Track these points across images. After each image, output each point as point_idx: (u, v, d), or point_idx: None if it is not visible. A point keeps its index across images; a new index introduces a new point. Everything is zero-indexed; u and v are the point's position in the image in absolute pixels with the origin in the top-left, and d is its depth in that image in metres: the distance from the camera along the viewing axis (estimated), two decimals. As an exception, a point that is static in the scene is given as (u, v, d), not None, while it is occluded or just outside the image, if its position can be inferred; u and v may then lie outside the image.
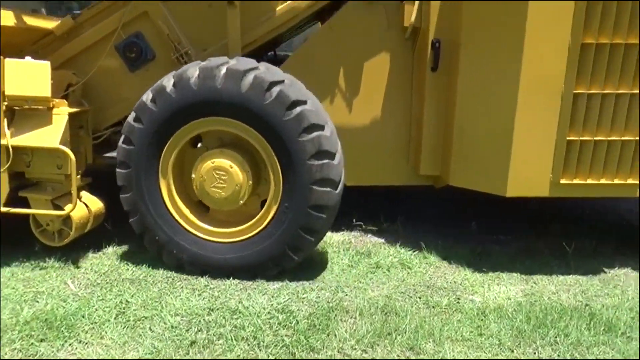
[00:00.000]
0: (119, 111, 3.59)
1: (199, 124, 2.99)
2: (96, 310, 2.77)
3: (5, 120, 3.09)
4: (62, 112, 3.20)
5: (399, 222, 3.94)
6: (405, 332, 2.61)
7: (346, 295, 2.97)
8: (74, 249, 3.44)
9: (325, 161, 2.86)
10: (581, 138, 2.99)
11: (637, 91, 2.90)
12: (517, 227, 4.02)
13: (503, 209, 4.34)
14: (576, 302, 2.94)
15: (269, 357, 2.42)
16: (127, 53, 3.53)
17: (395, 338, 2.56)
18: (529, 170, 3.05)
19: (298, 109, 2.82)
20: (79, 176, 3.31)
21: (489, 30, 3.08)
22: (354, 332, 2.61)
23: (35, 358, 2.41)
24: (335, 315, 2.76)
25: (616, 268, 3.36)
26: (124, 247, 3.55)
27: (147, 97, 2.98)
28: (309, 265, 3.31)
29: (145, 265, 3.25)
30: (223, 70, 2.85)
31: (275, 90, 2.82)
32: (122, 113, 3.30)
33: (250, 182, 3.03)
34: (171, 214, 3.13)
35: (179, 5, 3.44)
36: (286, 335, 2.59)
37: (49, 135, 3.14)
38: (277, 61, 3.72)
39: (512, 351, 2.51)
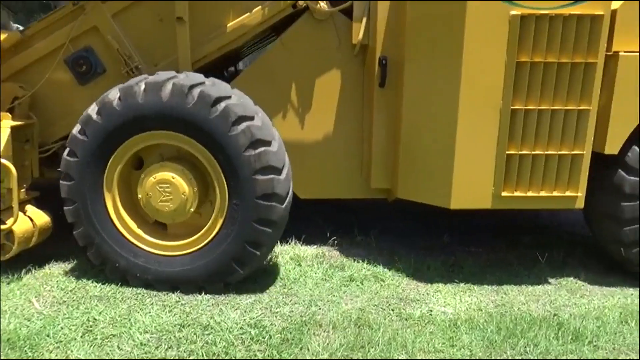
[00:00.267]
0: (68, 125, 3.51)
1: (144, 137, 2.98)
2: (62, 328, 2.68)
3: None
4: (4, 126, 3.15)
5: (373, 235, 3.96)
6: (378, 345, 2.61)
7: (319, 309, 2.96)
8: (41, 265, 3.34)
9: (271, 176, 2.88)
10: (520, 152, 3.08)
11: (571, 107, 3.03)
12: (488, 239, 4.09)
13: (475, 221, 4.42)
14: (545, 312, 3.00)
15: (240, 373, 2.38)
16: (77, 67, 3.50)
17: (369, 351, 2.56)
18: (472, 183, 3.13)
19: (244, 125, 2.85)
20: (23, 190, 3.26)
21: (430, 48, 3.18)
22: (327, 345, 2.59)
23: (37, 358, 2.35)
24: (309, 329, 2.74)
25: (582, 278, 3.45)
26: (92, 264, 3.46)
27: (93, 109, 2.97)
28: (283, 279, 3.29)
29: (114, 282, 3.17)
30: (169, 84, 2.86)
31: (221, 105, 2.84)
32: (71, 126, 3.26)
33: (196, 189, 3.01)
34: (116, 227, 3.09)
35: (129, 20, 3.44)
36: (259, 351, 2.56)
37: None
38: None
39: (483, 361, 2.54)
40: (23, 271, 3.28)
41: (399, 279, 3.36)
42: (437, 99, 3.16)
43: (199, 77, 2.96)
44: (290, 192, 3.08)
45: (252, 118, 2.89)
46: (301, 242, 3.84)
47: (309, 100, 3.53)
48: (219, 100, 2.85)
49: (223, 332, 2.69)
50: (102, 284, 3.15)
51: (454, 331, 2.76)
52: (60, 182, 3.06)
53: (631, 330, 2.81)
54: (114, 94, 2.93)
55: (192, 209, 3.04)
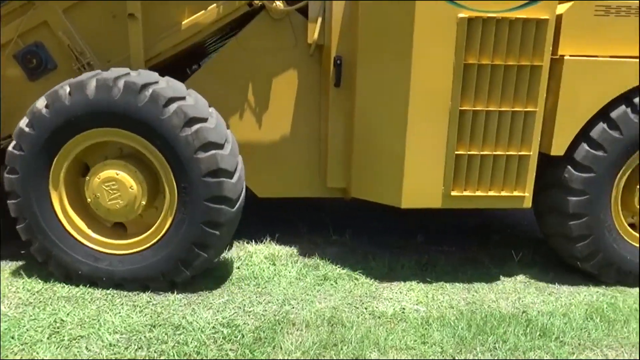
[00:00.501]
0: (18, 120, 3.45)
1: (93, 134, 2.93)
2: (27, 330, 2.62)
3: None
4: None
5: (347, 235, 3.98)
6: (351, 343, 2.62)
7: (293, 307, 2.96)
8: (6, 266, 3.24)
9: (221, 179, 2.86)
10: (468, 152, 3.13)
11: (519, 109, 3.10)
12: (461, 238, 4.15)
13: (448, 221, 4.48)
14: (514, 310, 3.06)
15: (212, 372, 2.36)
16: (26, 62, 3.40)
17: (341, 349, 2.57)
18: (422, 183, 3.17)
19: (196, 126, 2.82)
20: None
21: (381, 48, 3.21)
22: (300, 344, 2.59)
23: (37, 358, 2.30)
24: (282, 328, 2.73)
25: (551, 276, 3.53)
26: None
27: (42, 103, 2.91)
28: (257, 279, 3.28)
29: (83, 283, 3.10)
30: (121, 82, 2.82)
31: (174, 106, 2.82)
32: None
33: (144, 181, 2.98)
34: (62, 225, 3.04)
35: (81, 16, 3.36)
36: (231, 350, 2.54)
37: None
38: None
39: (454, 358, 2.57)
40: (-13, 272, 3.18)
41: (372, 278, 3.38)
42: (388, 99, 3.20)
43: (152, 76, 2.92)
44: (242, 194, 3.07)
45: (204, 120, 2.87)
46: (276, 242, 3.83)
47: (266, 100, 3.51)
48: (171, 100, 2.83)
49: (195, 331, 2.66)
50: (71, 285, 3.08)
51: (425, 328, 2.80)
52: (5, 175, 2.98)
53: (596, 326, 2.90)
54: (64, 89, 2.87)
55: (143, 202, 3.00)
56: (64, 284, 3.09)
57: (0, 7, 3.35)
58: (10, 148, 2.97)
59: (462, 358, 2.58)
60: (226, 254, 3.59)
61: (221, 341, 2.60)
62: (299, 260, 3.56)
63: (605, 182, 3.21)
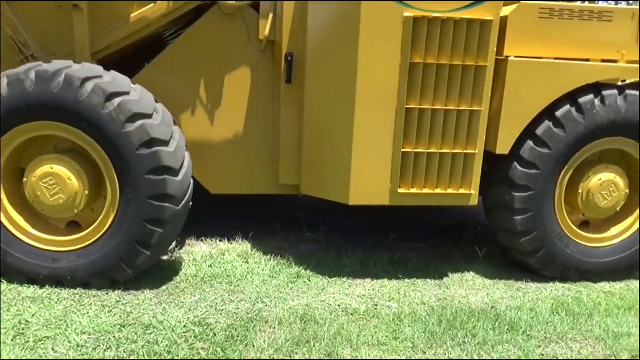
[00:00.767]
0: None
1: (33, 126, 2.86)
2: (-10, 331, 2.53)
3: None
4: None
5: (321, 232, 3.99)
6: (323, 340, 2.63)
7: (266, 305, 2.95)
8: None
9: (165, 176, 2.84)
10: (415, 150, 3.18)
11: (464, 108, 3.17)
12: (433, 235, 4.21)
13: (421, 218, 4.54)
14: (483, 305, 3.12)
15: (182, 371, 2.33)
16: None
17: (314, 345, 2.58)
18: (369, 180, 3.20)
19: (139, 122, 2.79)
20: None
21: (328, 46, 3.25)
22: (272, 341, 2.59)
23: (39, 358, 2.26)
24: (254, 325, 2.72)
25: (518, 272, 3.61)
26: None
27: None
28: (229, 276, 3.25)
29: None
30: (62, 75, 2.76)
31: (116, 101, 2.78)
32: None
33: (83, 173, 2.91)
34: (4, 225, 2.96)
35: (25, 6, 3.25)
36: (202, 348, 2.52)
37: None
38: None
39: (425, 352, 2.61)
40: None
41: (345, 275, 3.40)
42: (335, 96, 3.22)
43: (95, 70, 2.86)
44: (188, 193, 3.04)
45: (148, 115, 2.83)
46: (249, 239, 3.81)
47: (219, 95, 3.47)
48: (114, 95, 2.78)
49: (165, 330, 2.62)
50: (36, 285, 2.99)
51: (397, 324, 2.83)
52: None
53: (561, 320, 2.98)
54: (2, 80, 2.78)
55: (86, 191, 2.93)
56: (29, 284, 3.00)
57: None
58: None
59: (433, 352, 2.62)
60: (198, 252, 3.55)
61: (192, 340, 2.58)
62: (272, 258, 3.55)
63: (549, 179, 3.28)
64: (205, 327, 2.68)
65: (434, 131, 3.16)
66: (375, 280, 3.36)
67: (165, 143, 2.84)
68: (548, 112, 3.22)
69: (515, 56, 3.17)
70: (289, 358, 2.50)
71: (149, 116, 2.83)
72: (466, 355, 2.61)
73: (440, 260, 3.71)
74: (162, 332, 2.61)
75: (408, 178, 3.21)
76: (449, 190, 3.26)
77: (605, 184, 3.39)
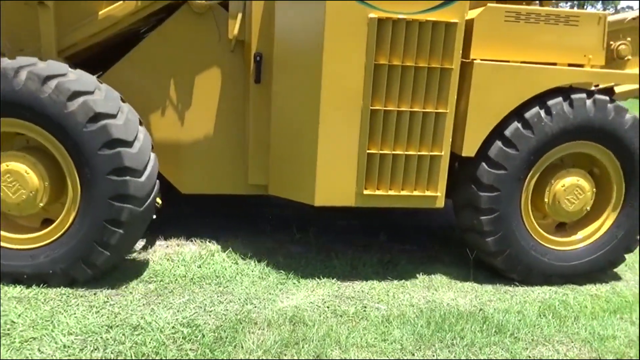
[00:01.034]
0: None
1: None
2: (-26, 332, 2.50)
3: None
4: None
5: (311, 233, 3.99)
6: (312, 341, 2.63)
7: (255, 307, 2.94)
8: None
9: (127, 178, 2.83)
10: (380, 151, 3.17)
11: (429, 110, 3.18)
12: (423, 237, 4.23)
13: (411, 220, 4.56)
14: (471, 307, 3.14)
15: (170, 373, 2.32)
16: None
17: (303, 347, 2.58)
18: (335, 181, 3.19)
19: (102, 122, 2.78)
20: None
21: (294, 47, 3.26)
22: (261, 343, 2.59)
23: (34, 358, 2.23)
24: (243, 327, 2.72)
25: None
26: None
27: None
28: (219, 278, 3.24)
29: (36, 282, 2.99)
30: (24, 72, 2.74)
31: (79, 100, 2.77)
32: None
33: (40, 165, 2.89)
34: None
35: None
36: (191, 350, 2.51)
37: None
38: None
39: (413, 354, 2.63)
40: None
41: (335, 277, 3.40)
42: (301, 97, 3.22)
43: (60, 68, 2.84)
44: (153, 194, 3.02)
45: (112, 116, 2.81)
46: (239, 240, 3.80)
47: (189, 95, 3.45)
48: (77, 94, 2.76)
49: (154, 332, 2.61)
50: (23, 285, 2.96)
51: (386, 326, 2.84)
52: None
53: (548, 322, 3.01)
54: None
55: (46, 183, 2.90)
56: (16, 284, 2.96)
57: None
58: None
59: (421, 354, 2.63)
60: (188, 253, 3.53)
61: (181, 341, 2.56)
62: (262, 259, 3.54)
63: (516, 180, 3.29)
64: (194, 328, 2.67)
65: (399, 133, 3.16)
66: (364, 282, 3.37)
67: (129, 144, 2.83)
68: (517, 114, 3.22)
69: (481, 59, 3.18)
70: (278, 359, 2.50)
71: (112, 116, 2.81)
72: (454, 357, 2.63)
73: (430, 263, 3.73)
74: (151, 333, 2.60)
75: (374, 180, 3.21)
76: (415, 193, 3.26)
77: (569, 188, 3.40)
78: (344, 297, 3.15)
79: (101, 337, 2.54)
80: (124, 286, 3.06)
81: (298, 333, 2.70)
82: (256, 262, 3.50)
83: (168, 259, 3.44)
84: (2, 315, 2.66)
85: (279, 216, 4.38)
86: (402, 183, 3.24)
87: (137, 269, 3.29)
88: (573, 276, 3.53)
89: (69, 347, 2.46)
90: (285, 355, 2.53)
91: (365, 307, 3.05)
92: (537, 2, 4.10)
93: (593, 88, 3.54)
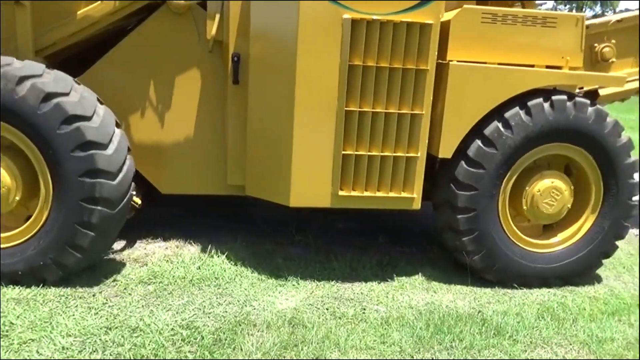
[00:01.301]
0: None
1: None
2: (-27, 333, 2.50)
3: None
4: None
5: (310, 235, 3.99)
6: (311, 343, 2.63)
7: (254, 308, 2.94)
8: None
9: (99, 180, 2.83)
10: (356, 152, 3.15)
11: (405, 111, 3.16)
12: (421, 239, 4.23)
13: (409, 222, 4.56)
14: (470, 309, 3.15)
15: (169, 375, 2.32)
16: None
17: (302, 349, 2.58)
18: (310, 182, 3.18)
19: (76, 125, 2.78)
20: None
21: (269, 47, 3.26)
22: (260, 345, 2.59)
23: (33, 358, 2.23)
24: (242, 329, 2.72)
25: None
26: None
27: None
28: (217, 279, 3.24)
29: (35, 283, 2.98)
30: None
31: (53, 102, 2.77)
32: None
33: (8, 160, 2.89)
34: None
35: None
36: (190, 352, 2.51)
37: None
38: None
39: (412, 357, 2.63)
40: None
41: (334, 279, 3.40)
42: (276, 98, 3.22)
43: (36, 68, 2.83)
44: (127, 197, 3.02)
45: (87, 118, 2.81)
46: (238, 242, 3.80)
47: (168, 95, 3.44)
48: (51, 95, 2.76)
49: (153, 334, 2.61)
50: (21, 286, 2.95)
51: (385, 328, 2.84)
52: None
53: (547, 324, 3.02)
54: None
55: (18, 181, 2.90)
56: (14, 285, 2.96)
57: None
58: None
59: (420, 357, 2.63)
60: (187, 254, 3.53)
61: (180, 343, 2.56)
62: (261, 261, 3.55)
63: (494, 180, 3.27)
64: (193, 330, 2.67)
65: (375, 134, 3.15)
66: (363, 284, 3.37)
67: (102, 146, 2.83)
68: (497, 113, 3.21)
69: (457, 61, 3.18)
70: (277, 362, 2.50)
71: (87, 119, 2.81)
72: (453, 359, 2.63)
73: (429, 265, 3.73)
74: (150, 335, 2.59)
75: (349, 181, 3.20)
76: (391, 194, 3.25)
77: (545, 192, 3.39)
78: (343, 299, 3.15)
79: (100, 339, 2.54)
80: (123, 288, 3.06)
81: (297, 335, 2.70)
82: (255, 263, 3.50)
83: (167, 261, 3.44)
84: (1, 316, 2.65)
85: (278, 218, 4.37)
86: (378, 184, 3.23)
87: (136, 270, 3.29)
88: (550, 279, 3.50)
89: (67, 348, 2.46)
90: (284, 357, 2.53)
91: (364, 309, 3.05)
92: (519, 3, 4.06)
93: (577, 91, 3.54)
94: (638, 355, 2.79)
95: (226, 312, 2.88)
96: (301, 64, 3.02)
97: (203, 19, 3.34)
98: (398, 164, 3.21)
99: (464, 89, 3.16)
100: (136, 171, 3.22)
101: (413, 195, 3.26)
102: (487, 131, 3.21)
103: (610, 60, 4.19)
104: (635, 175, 3.49)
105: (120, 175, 2.91)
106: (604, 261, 3.63)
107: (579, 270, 3.55)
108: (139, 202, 3.35)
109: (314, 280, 3.36)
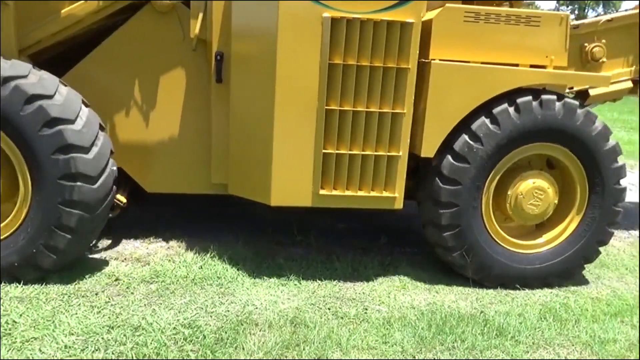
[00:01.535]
0: None
1: None
2: (-24, 332, 2.50)
3: None
4: None
5: (312, 236, 3.99)
6: (313, 343, 2.63)
7: (256, 308, 2.94)
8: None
9: (78, 184, 2.84)
10: (336, 151, 3.14)
11: (386, 110, 3.15)
12: (423, 239, 4.22)
13: (411, 223, 4.56)
14: (472, 310, 3.15)
15: (172, 374, 2.32)
16: None
17: (304, 349, 2.58)
18: (291, 181, 3.17)
19: (58, 127, 2.79)
20: None
21: (250, 47, 3.25)
22: (262, 344, 2.59)
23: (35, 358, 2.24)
24: (244, 328, 2.72)
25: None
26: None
27: None
28: (220, 279, 3.25)
29: (38, 282, 2.99)
30: None
31: (36, 104, 2.77)
32: None
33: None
34: None
35: None
36: (192, 351, 2.51)
37: None
38: None
39: (414, 357, 2.62)
40: None
41: (336, 279, 3.40)
42: (257, 97, 3.22)
43: (21, 69, 2.83)
44: (107, 201, 3.02)
45: (69, 121, 2.82)
46: (240, 242, 3.80)
47: (153, 94, 3.44)
48: (34, 98, 2.76)
49: (155, 332, 2.61)
50: (24, 285, 2.96)
51: (387, 329, 2.84)
52: None
53: (549, 325, 3.01)
54: None
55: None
56: (17, 284, 2.97)
57: None
58: None
59: (422, 357, 2.63)
60: (189, 253, 3.54)
61: (182, 342, 2.56)
62: (263, 261, 3.55)
63: (479, 176, 3.24)
64: (195, 329, 2.67)
65: (356, 133, 3.14)
66: (365, 284, 3.37)
67: (83, 150, 2.84)
68: (486, 109, 3.18)
69: (440, 59, 3.16)
70: (278, 361, 2.50)
71: (70, 122, 2.82)
72: (455, 360, 2.63)
73: (431, 265, 3.73)
74: (152, 334, 2.60)
75: (330, 180, 3.19)
76: (373, 193, 3.23)
77: (528, 194, 3.36)
78: (345, 299, 3.15)
79: (102, 338, 2.54)
80: (126, 287, 3.07)
81: (299, 335, 2.70)
82: (257, 263, 3.50)
83: (169, 260, 3.45)
84: (3, 314, 2.66)
85: (280, 218, 4.38)
86: (359, 183, 3.21)
87: (138, 269, 3.30)
88: (531, 280, 3.46)
89: (70, 347, 2.46)
90: (286, 356, 2.53)
91: (366, 309, 3.05)
92: (507, 3, 4.02)
93: (567, 91, 3.51)
94: (638, 356, 2.78)
95: (228, 311, 2.89)
96: (281, 63, 3.02)
97: (188, 18, 3.34)
98: (379, 163, 3.19)
99: (446, 88, 3.14)
100: (121, 169, 3.22)
101: (395, 195, 3.25)
102: (475, 126, 3.18)
103: (600, 60, 4.15)
104: (622, 181, 3.46)
105: (101, 180, 2.91)
106: (605, 263, 3.65)
107: (560, 272, 3.51)
108: (124, 200, 3.36)
109: (315, 280, 3.36)
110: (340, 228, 4.37)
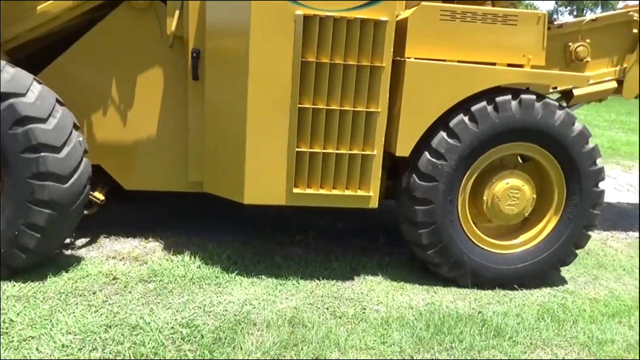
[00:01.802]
0: None
1: None
2: (-27, 330, 2.49)
3: None
4: None
5: (311, 235, 3.99)
6: (311, 343, 2.63)
7: (254, 307, 2.94)
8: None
9: (49, 183, 2.82)
10: (310, 150, 3.12)
11: (360, 109, 3.09)
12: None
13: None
14: (470, 310, 3.15)
15: (169, 373, 2.32)
16: None
17: (302, 349, 2.58)
18: (265, 179, 3.15)
19: (29, 126, 2.77)
20: None
21: (224, 44, 3.24)
22: (260, 344, 2.59)
23: (23, 359, 2.23)
24: (242, 328, 2.72)
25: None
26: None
27: None
28: (218, 278, 3.24)
29: (36, 280, 2.99)
30: None
31: (6, 102, 2.75)
32: None
33: None
34: None
35: None
36: (189, 350, 2.50)
37: None
38: None
39: (412, 357, 2.62)
40: None
41: (335, 278, 3.40)
42: (230, 95, 3.20)
43: None
44: (79, 201, 3.00)
45: (41, 120, 2.80)
46: (238, 241, 3.80)
47: (131, 91, 3.43)
48: (6, 96, 2.74)
49: (153, 332, 2.60)
50: (22, 283, 2.96)
51: (385, 329, 2.84)
52: None
53: (547, 326, 3.01)
54: None
55: None
56: (15, 282, 2.96)
57: None
58: None
59: (420, 357, 2.63)
60: (187, 253, 3.53)
61: (180, 342, 2.56)
62: (261, 260, 3.54)
63: (455, 174, 3.22)
64: (192, 328, 2.67)
65: (329, 131, 3.12)
66: (364, 284, 3.37)
67: (54, 149, 2.82)
68: (464, 107, 3.16)
69: (415, 58, 3.15)
70: (276, 361, 2.50)
71: (41, 120, 2.80)
72: (453, 360, 2.63)
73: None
74: (149, 333, 2.59)
75: (304, 178, 3.17)
76: (347, 192, 3.21)
77: (503, 195, 3.34)
78: (343, 299, 3.14)
79: (100, 337, 2.54)
80: (123, 286, 3.06)
81: (297, 334, 2.70)
82: (256, 263, 3.50)
83: (167, 259, 3.44)
84: (0, 313, 2.65)
85: (278, 218, 4.37)
86: (334, 182, 3.19)
87: (136, 269, 3.29)
88: (506, 280, 3.44)
89: (67, 346, 2.46)
90: (284, 356, 2.53)
91: (364, 309, 3.05)
92: (489, 2, 3.97)
93: (551, 90, 3.49)
94: (638, 357, 2.78)
95: (226, 310, 2.88)
96: (254, 61, 3.00)
97: (164, 15, 3.33)
98: (354, 162, 3.17)
99: (421, 87, 3.12)
100: (99, 166, 3.20)
101: (369, 194, 3.23)
102: (452, 123, 3.16)
103: (584, 60, 4.12)
104: (601, 184, 3.44)
105: (72, 179, 2.89)
106: (603, 264, 3.65)
107: (534, 274, 3.48)
108: (102, 198, 3.35)
109: (314, 280, 3.35)
110: (339, 228, 4.37)
